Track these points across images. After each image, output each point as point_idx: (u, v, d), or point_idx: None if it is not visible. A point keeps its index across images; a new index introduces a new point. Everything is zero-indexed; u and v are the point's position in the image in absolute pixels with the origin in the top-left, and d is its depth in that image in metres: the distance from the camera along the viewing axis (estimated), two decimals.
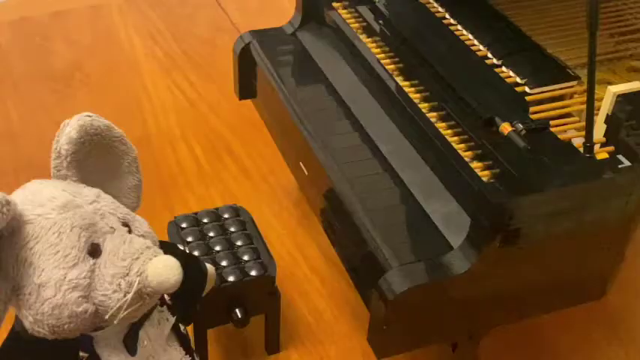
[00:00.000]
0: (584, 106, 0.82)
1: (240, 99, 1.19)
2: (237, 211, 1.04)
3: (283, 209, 1.27)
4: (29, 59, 1.65)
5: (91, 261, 0.69)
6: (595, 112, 0.78)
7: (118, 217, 0.73)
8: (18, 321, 0.72)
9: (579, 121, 0.85)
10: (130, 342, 0.75)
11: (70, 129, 0.73)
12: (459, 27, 0.99)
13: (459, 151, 0.83)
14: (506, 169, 0.78)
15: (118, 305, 0.69)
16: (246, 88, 1.17)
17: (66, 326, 0.69)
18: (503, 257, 0.76)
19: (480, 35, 0.96)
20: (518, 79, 0.89)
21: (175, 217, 1.01)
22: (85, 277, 0.69)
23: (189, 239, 0.98)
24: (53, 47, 1.69)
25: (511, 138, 0.80)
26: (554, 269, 0.83)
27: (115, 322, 0.71)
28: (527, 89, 0.88)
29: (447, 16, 1.02)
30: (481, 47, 0.95)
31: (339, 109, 1.00)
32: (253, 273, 0.94)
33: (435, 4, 1.04)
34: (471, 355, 0.88)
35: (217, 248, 0.97)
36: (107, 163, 0.78)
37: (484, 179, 0.79)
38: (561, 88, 0.88)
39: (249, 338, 1.06)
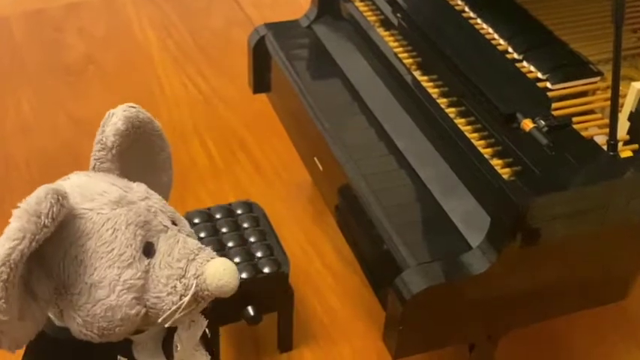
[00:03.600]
0: (606, 103, 0.80)
1: (254, 93, 1.18)
2: (250, 207, 1.02)
3: (297, 205, 1.26)
4: (43, 51, 1.64)
5: (146, 261, 0.66)
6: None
7: (168, 216, 0.70)
8: (50, 324, 0.68)
9: (602, 118, 0.83)
10: (168, 347, 0.72)
11: (116, 119, 0.69)
12: (479, 20, 0.97)
13: (479, 148, 0.81)
14: (528, 166, 0.76)
15: (173, 308, 0.66)
16: (261, 81, 1.16)
17: (117, 329, 0.66)
18: (524, 257, 0.75)
19: (500, 29, 0.94)
20: (539, 75, 0.87)
21: (188, 213, 1.00)
22: (139, 278, 0.65)
23: (202, 235, 0.96)
24: (67, 40, 1.69)
25: (533, 135, 0.78)
26: (576, 270, 0.81)
27: (166, 325, 0.68)
28: (548, 85, 0.86)
29: (467, 9, 1.00)
30: (501, 41, 0.93)
31: (355, 104, 0.98)
32: (266, 270, 0.92)
33: None
34: (488, 357, 0.87)
35: (230, 244, 0.95)
36: (144, 158, 0.75)
37: (505, 177, 0.77)
38: (584, 84, 0.86)
39: (261, 336, 1.04)
